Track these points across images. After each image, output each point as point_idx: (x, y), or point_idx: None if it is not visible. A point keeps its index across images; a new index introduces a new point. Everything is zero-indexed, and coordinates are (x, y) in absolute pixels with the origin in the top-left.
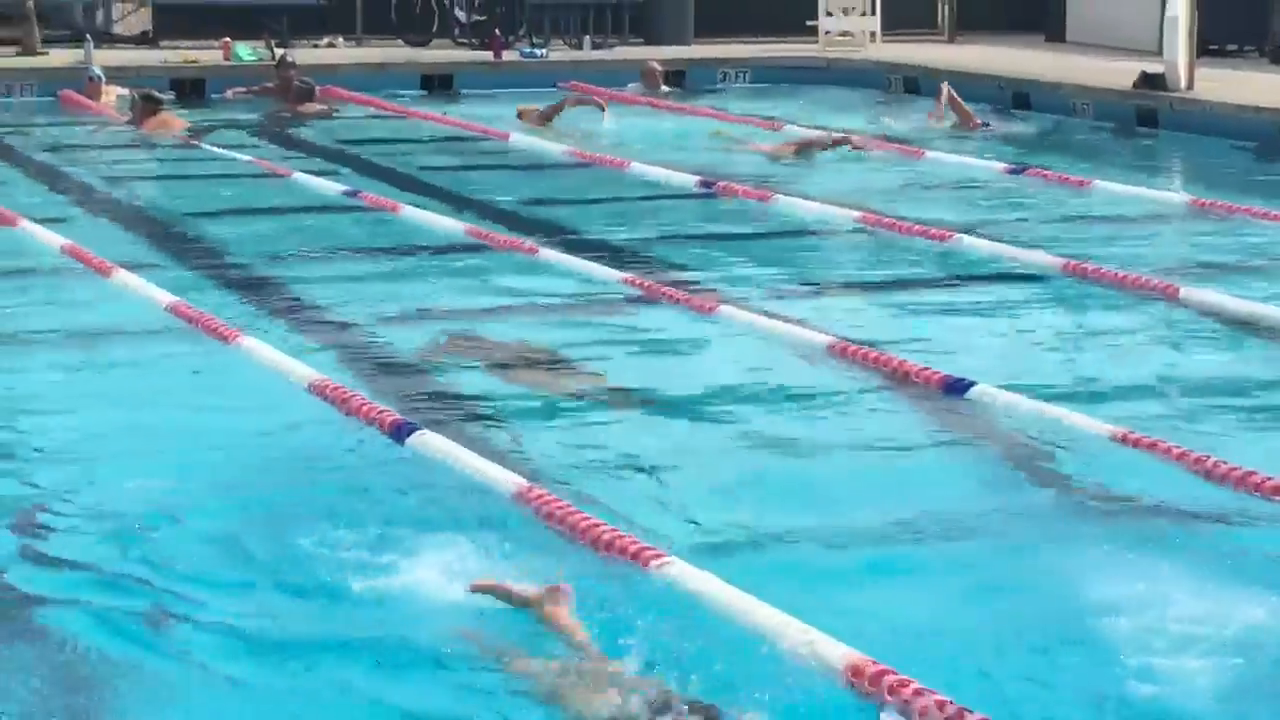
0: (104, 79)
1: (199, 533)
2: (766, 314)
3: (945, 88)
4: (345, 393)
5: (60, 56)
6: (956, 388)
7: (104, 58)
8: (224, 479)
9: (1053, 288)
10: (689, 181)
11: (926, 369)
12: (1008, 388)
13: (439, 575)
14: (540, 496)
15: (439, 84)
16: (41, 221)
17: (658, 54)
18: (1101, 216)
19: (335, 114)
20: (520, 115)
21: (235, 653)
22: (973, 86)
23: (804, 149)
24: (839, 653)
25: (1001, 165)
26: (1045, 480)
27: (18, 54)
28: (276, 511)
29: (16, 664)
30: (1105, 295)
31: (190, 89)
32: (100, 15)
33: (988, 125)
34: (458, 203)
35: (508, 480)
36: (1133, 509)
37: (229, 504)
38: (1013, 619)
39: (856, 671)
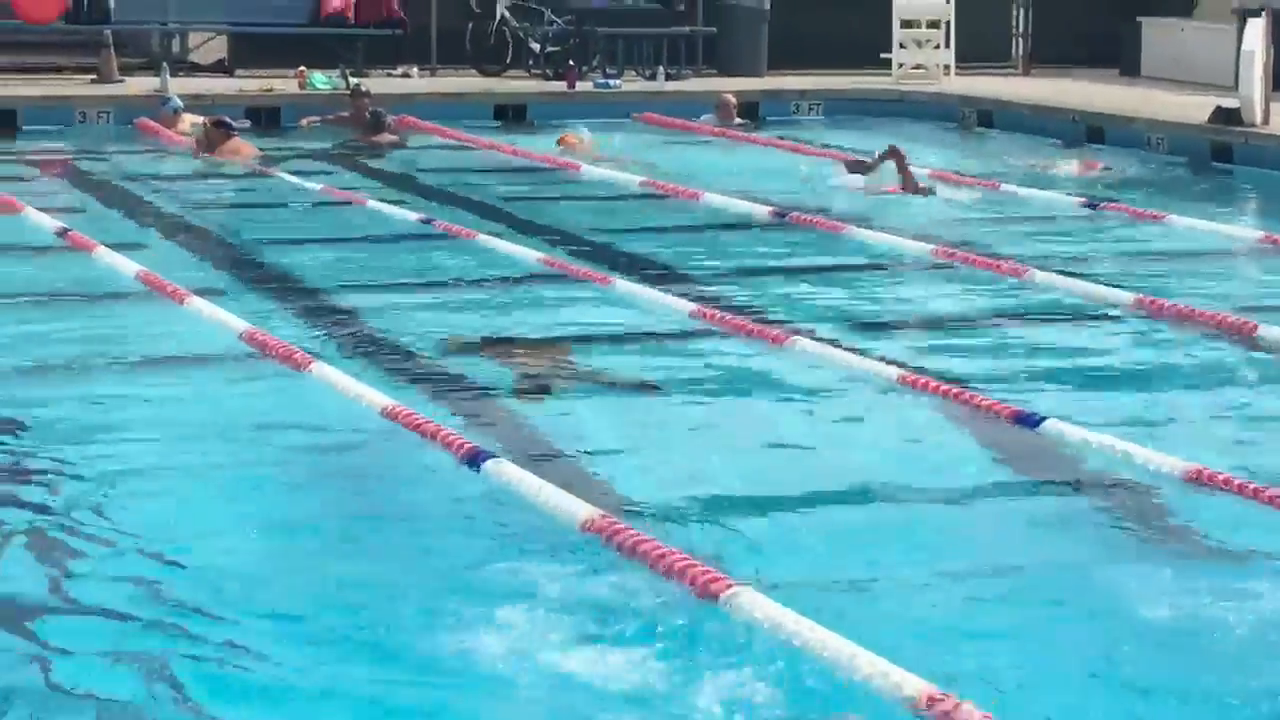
0: (182, 109)
1: (270, 560)
2: (838, 346)
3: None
4: (418, 419)
5: (137, 84)
6: (1027, 422)
7: (180, 86)
8: (296, 505)
9: (1126, 323)
10: (762, 213)
11: (997, 402)
12: (1079, 423)
13: (510, 603)
14: (611, 524)
15: (513, 114)
16: (117, 248)
17: (731, 85)
18: (1176, 252)
19: (408, 143)
20: (560, 143)
21: (301, 685)
22: (1046, 120)
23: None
24: (912, 684)
25: (1076, 199)
26: (1117, 516)
27: (95, 81)
28: (349, 538)
29: (76, 688)
30: (1179, 331)
31: (266, 117)
32: (177, 43)
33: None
34: (532, 232)
35: (579, 508)
36: (1205, 546)
37: (302, 531)
38: (1083, 653)
39: (931, 702)
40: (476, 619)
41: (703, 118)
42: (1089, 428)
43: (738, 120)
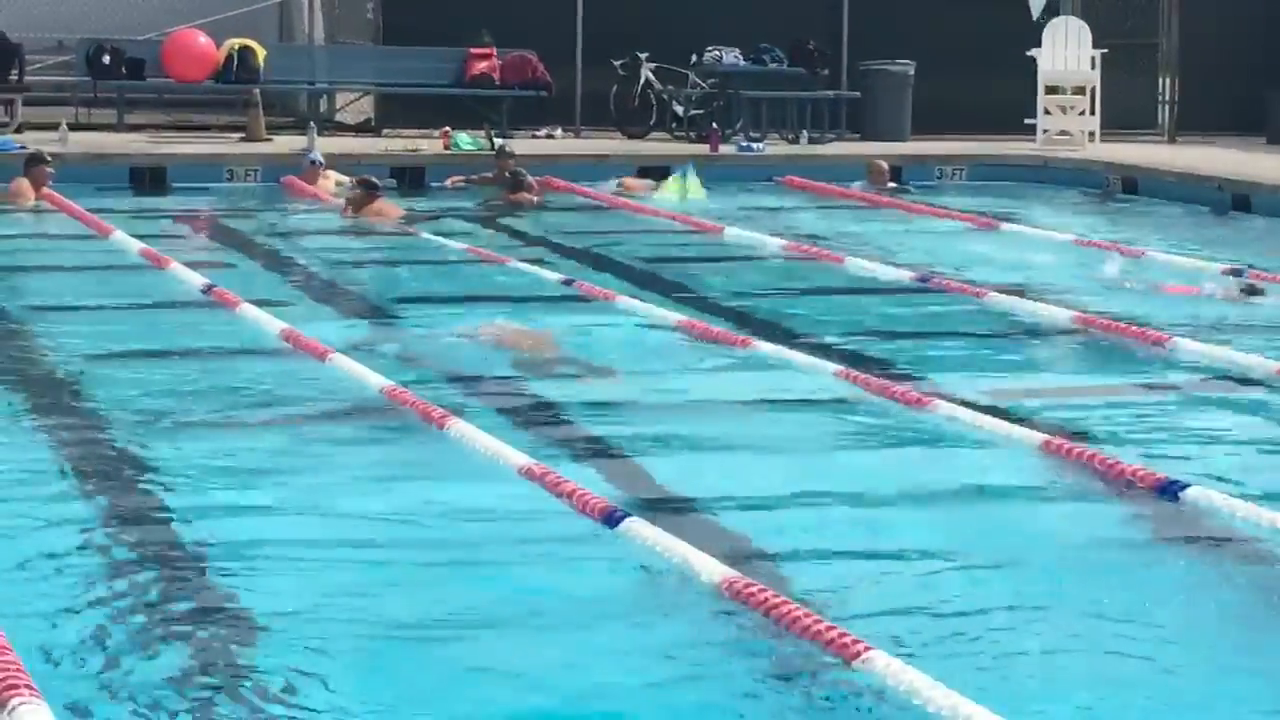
0: (323, 164)
1: (406, 616)
2: (980, 410)
3: None
4: (555, 476)
5: (284, 143)
6: (1171, 489)
7: (327, 145)
8: (429, 562)
9: (1273, 393)
10: (904, 277)
11: (1140, 469)
12: (1224, 491)
13: (645, 664)
14: (747, 585)
15: (655, 176)
16: (261, 305)
17: (874, 150)
18: None
19: (550, 204)
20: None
21: None
22: (1192, 188)
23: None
24: None
25: (1220, 267)
26: (1261, 586)
27: (243, 140)
28: (484, 596)
29: None
30: None
31: (410, 177)
32: (324, 103)
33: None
34: (672, 293)
35: (715, 568)
36: None
37: (436, 588)
38: None
39: None
40: (612, 678)
41: (855, 184)
42: (1233, 496)
43: (890, 185)
